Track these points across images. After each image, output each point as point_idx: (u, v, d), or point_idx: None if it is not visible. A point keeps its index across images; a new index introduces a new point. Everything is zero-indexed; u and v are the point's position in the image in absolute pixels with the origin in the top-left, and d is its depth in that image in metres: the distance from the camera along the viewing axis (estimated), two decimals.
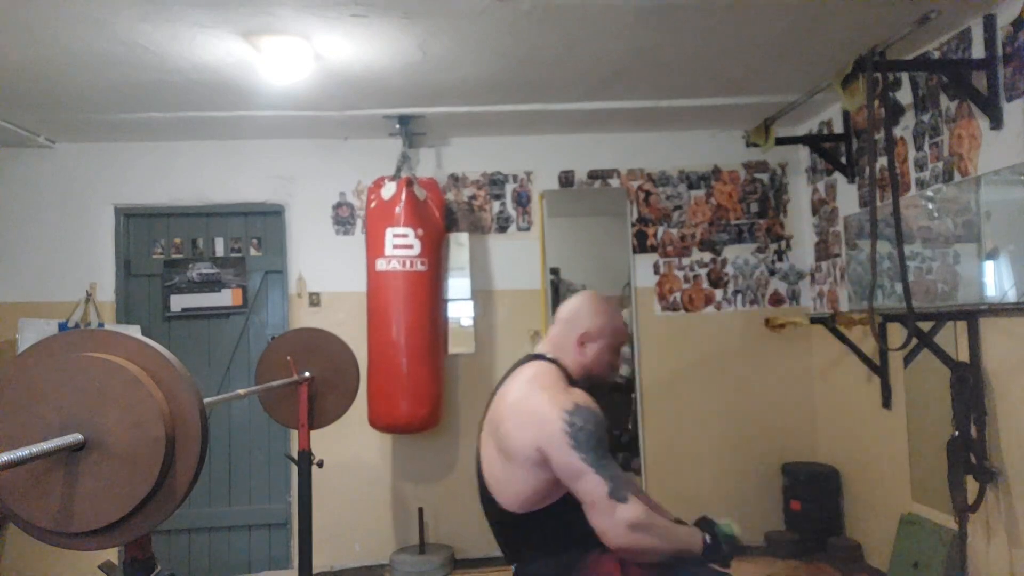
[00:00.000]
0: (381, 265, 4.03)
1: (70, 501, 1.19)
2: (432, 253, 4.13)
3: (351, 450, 4.36)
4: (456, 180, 4.58)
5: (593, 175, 4.64)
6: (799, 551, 4.20)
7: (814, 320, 4.07)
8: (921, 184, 3.38)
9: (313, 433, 3.15)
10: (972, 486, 2.98)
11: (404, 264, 4.01)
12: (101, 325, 4.30)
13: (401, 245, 4.02)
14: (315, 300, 4.47)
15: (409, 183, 4.09)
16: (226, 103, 3.78)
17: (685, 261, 4.61)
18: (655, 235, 4.62)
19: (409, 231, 4.04)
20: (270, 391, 3.03)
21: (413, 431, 4.15)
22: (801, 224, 4.65)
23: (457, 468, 4.45)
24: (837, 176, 4.20)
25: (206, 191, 4.47)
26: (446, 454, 4.47)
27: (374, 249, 4.07)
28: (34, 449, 1.10)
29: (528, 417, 1.85)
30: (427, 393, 4.04)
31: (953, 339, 3.13)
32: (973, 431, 2.97)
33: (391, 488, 4.42)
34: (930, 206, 3.34)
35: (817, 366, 4.52)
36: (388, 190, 4.08)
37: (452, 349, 4.47)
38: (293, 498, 4.30)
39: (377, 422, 4.07)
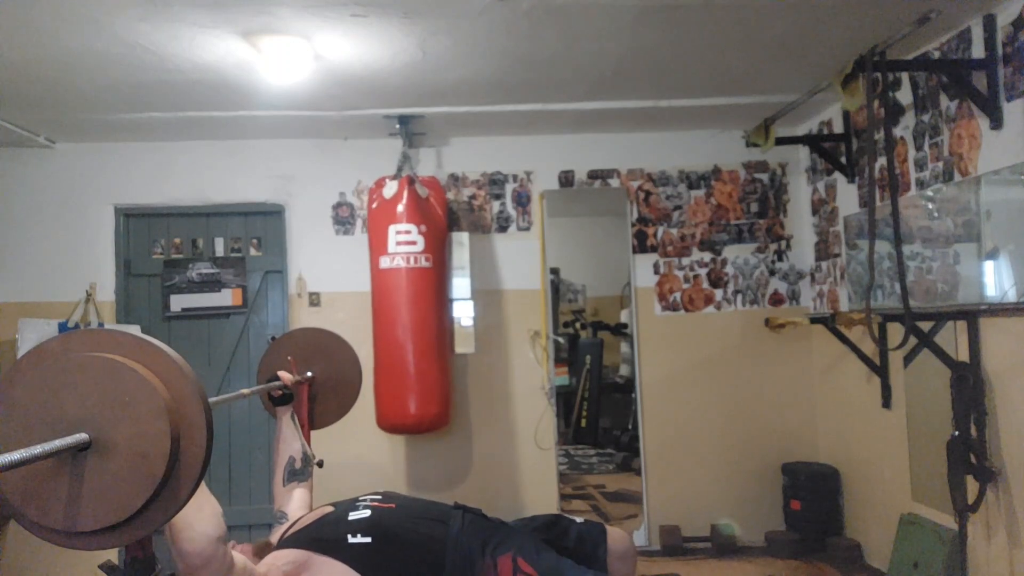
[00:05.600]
0: (385, 263, 3.99)
1: (75, 500, 1.19)
2: (436, 250, 4.09)
3: (355, 450, 4.35)
4: (456, 180, 4.58)
5: (593, 175, 4.64)
6: (799, 551, 4.20)
7: (814, 320, 4.07)
8: (921, 184, 3.38)
9: (317, 433, 3.14)
10: (972, 486, 2.99)
11: (408, 260, 3.97)
12: (101, 325, 4.30)
13: (404, 242, 3.98)
14: (315, 300, 4.47)
15: (411, 181, 4.08)
16: (226, 103, 3.78)
17: (685, 261, 4.61)
18: (655, 235, 4.62)
19: (412, 227, 4.00)
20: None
21: (423, 431, 4.08)
22: (801, 224, 4.65)
23: (473, 470, 4.47)
24: (837, 176, 4.21)
25: (206, 191, 4.47)
26: (460, 455, 4.48)
27: (377, 247, 4.04)
28: (40, 448, 1.10)
29: None
30: (436, 391, 3.97)
31: (953, 339, 3.13)
32: (973, 431, 2.97)
33: (391, 485, 4.42)
34: (930, 206, 3.34)
35: (817, 366, 4.53)
36: (390, 189, 4.07)
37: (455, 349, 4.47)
38: None
39: (385, 423, 4.01)
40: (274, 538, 2.19)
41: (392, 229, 4.00)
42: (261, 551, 2.06)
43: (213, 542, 1.61)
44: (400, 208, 4.03)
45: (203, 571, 1.60)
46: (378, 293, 4.05)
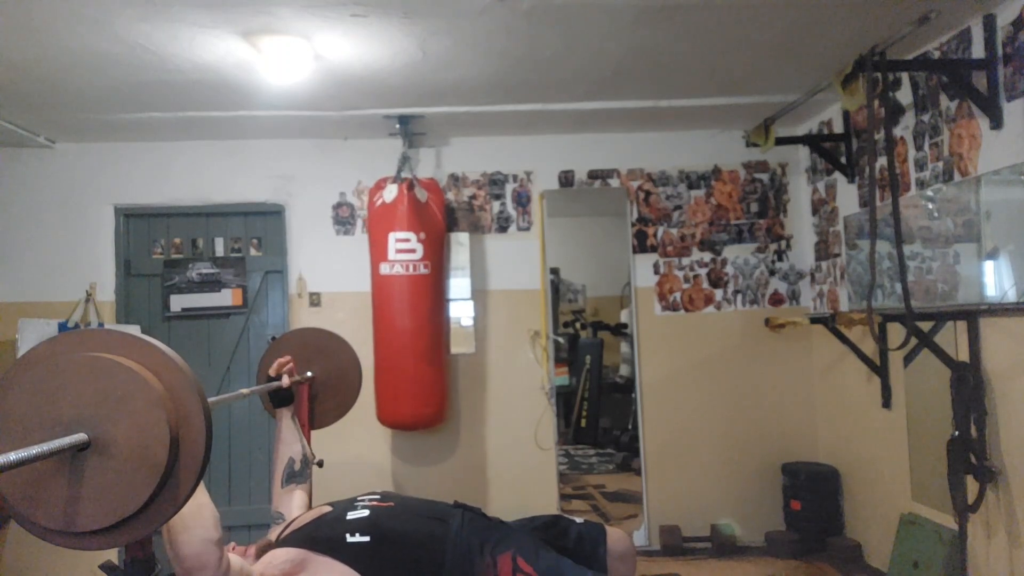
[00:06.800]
0: (385, 269, 4.08)
1: (74, 500, 1.19)
2: (434, 255, 4.16)
3: (355, 450, 4.36)
4: (456, 180, 4.58)
5: (593, 175, 4.64)
6: (799, 551, 4.20)
7: (814, 320, 4.07)
8: (921, 184, 3.38)
9: (316, 433, 3.14)
10: (972, 486, 2.98)
11: (407, 268, 4.06)
12: (101, 325, 4.30)
13: (404, 249, 4.07)
14: (315, 300, 4.47)
15: (410, 186, 4.10)
16: (226, 103, 3.78)
17: (685, 261, 4.61)
18: (655, 235, 4.62)
19: (411, 235, 4.08)
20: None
21: (419, 428, 4.27)
22: (801, 224, 4.65)
23: (473, 470, 4.47)
24: (837, 176, 4.21)
25: (206, 191, 4.47)
26: (460, 455, 4.50)
27: (377, 253, 4.12)
28: (39, 448, 1.10)
29: None
30: (433, 392, 4.14)
31: (953, 339, 3.13)
32: (973, 431, 2.97)
33: (393, 485, 4.42)
34: (930, 206, 3.34)
35: (817, 366, 4.53)
36: (390, 193, 4.10)
37: (452, 349, 4.48)
38: None
39: (385, 420, 4.19)
40: (273, 537, 2.19)
41: (392, 237, 4.08)
42: (263, 552, 2.05)
43: (210, 544, 1.61)
44: (400, 214, 4.09)
45: (200, 573, 1.60)
46: (378, 298, 4.15)
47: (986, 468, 2.92)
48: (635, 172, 4.65)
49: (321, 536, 2.03)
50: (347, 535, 2.02)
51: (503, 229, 4.59)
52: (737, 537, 4.37)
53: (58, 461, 1.21)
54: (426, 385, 4.11)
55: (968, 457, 2.96)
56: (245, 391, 2.39)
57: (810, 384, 4.57)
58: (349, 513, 2.12)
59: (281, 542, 2.05)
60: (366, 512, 2.12)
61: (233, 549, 2.03)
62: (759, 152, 4.45)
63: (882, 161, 3.63)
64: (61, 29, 2.83)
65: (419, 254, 4.08)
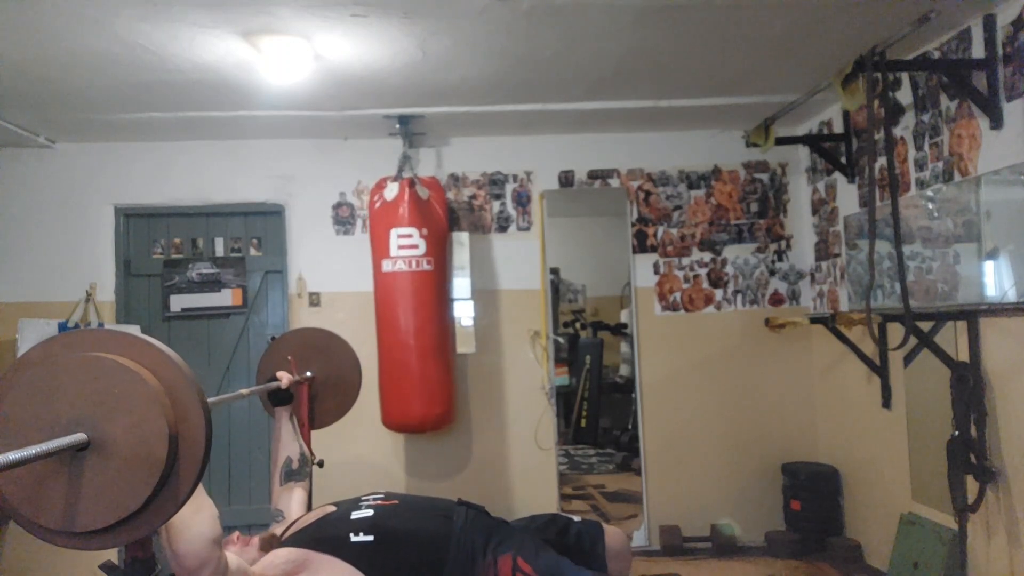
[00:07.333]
0: (387, 266, 4.05)
1: (74, 501, 1.19)
2: (437, 252, 4.13)
3: (357, 450, 4.35)
4: (456, 180, 4.58)
5: (593, 175, 4.64)
6: (799, 551, 4.20)
7: (814, 320, 4.07)
8: (921, 184, 3.38)
9: (319, 432, 3.14)
10: (972, 486, 2.99)
11: (410, 264, 4.03)
12: (101, 325, 4.30)
13: (406, 245, 4.04)
14: (315, 300, 4.47)
15: (411, 183, 4.09)
16: (226, 103, 3.78)
17: (685, 261, 4.61)
18: (655, 235, 4.62)
19: (413, 231, 4.05)
20: None
21: (427, 430, 4.17)
22: (801, 224, 4.65)
23: (473, 470, 4.47)
24: (837, 176, 4.21)
25: (206, 191, 4.47)
26: (460, 455, 4.49)
27: (379, 250, 4.09)
28: (39, 448, 1.10)
29: None
30: (440, 392, 4.06)
31: (953, 339, 3.13)
32: (973, 431, 2.97)
33: (394, 485, 4.42)
34: (930, 206, 3.34)
35: (817, 366, 4.53)
36: (391, 191, 4.09)
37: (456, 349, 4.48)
38: None
39: (391, 423, 4.10)
40: (278, 532, 2.19)
41: (394, 233, 4.04)
42: (267, 544, 2.06)
43: (209, 543, 1.62)
44: (401, 211, 4.06)
45: (199, 572, 1.61)
46: (381, 296, 4.10)
47: (986, 468, 2.92)
48: (635, 172, 4.65)
49: (325, 536, 2.04)
50: (351, 534, 2.02)
51: (503, 229, 4.59)
52: (737, 537, 4.37)
53: (57, 461, 1.21)
54: (433, 384, 4.02)
55: (968, 457, 2.96)
56: (244, 391, 2.39)
57: (810, 384, 4.57)
58: (353, 513, 2.13)
59: (283, 542, 2.06)
60: (370, 512, 2.13)
61: (237, 538, 2.04)
62: (759, 152, 4.45)
63: (882, 161, 3.63)
64: (61, 29, 2.83)
65: (422, 250, 4.04)
